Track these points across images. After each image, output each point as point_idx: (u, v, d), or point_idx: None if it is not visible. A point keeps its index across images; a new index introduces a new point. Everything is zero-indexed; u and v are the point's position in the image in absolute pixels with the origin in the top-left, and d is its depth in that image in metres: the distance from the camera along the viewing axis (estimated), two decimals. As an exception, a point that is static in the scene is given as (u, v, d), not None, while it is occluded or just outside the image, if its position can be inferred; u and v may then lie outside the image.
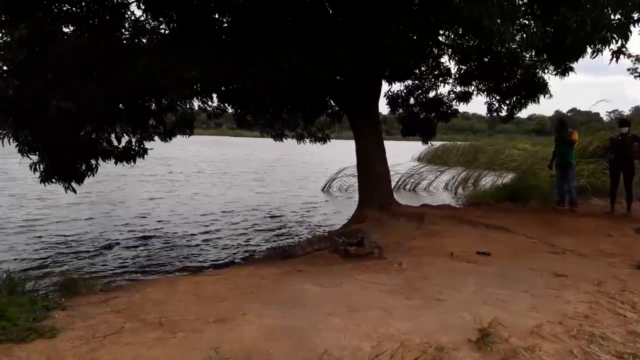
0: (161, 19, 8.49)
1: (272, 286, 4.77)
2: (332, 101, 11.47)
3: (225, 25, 8.64)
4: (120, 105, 7.81)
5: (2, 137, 7.86)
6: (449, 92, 13.33)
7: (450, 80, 13.23)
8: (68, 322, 3.80)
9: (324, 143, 13.49)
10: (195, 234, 11.02)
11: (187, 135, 11.00)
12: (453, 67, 12.73)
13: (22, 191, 15.78)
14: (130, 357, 3.12)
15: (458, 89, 13.13)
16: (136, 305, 4.23)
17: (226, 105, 11.24)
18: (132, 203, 14.78)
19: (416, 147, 34.01)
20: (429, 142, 14.06)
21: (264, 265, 6.38)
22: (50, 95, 6.71)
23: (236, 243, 10.39)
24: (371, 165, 10.32)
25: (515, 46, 7.65)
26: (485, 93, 12.54)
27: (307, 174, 25.25)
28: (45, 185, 8.94)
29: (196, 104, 10.82)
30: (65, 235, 10.43)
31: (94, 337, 3.43)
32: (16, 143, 8.05)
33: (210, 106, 11.50)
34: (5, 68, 7.19)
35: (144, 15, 8.36)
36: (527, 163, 18.62)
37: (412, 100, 13.43)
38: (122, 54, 6.85)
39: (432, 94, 13.46)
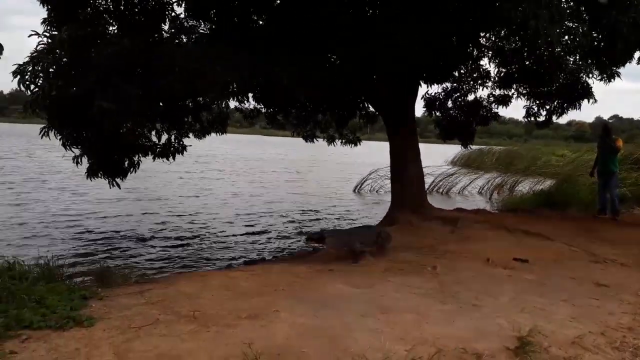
0: (200, 19, 8.66)
1: (305, 284, 4.75)
2: (367, 103, 11.40)
3: (260, 24, 8.72)
4: (160, 104, 7.93)
5: (47, 130, 8.18)
6: (488, 96, 13.05)
7: (490, 83, 12.96)
8: (104, 312, 3.88)
9: (355, 145, 13.42)
10: (229, 232, 11.13)
11: (221, 134, 11.16)
12: (493, 69, 12.48)
13: (63, 185, 16.30)
14: (164, 348, 3.15)
15: (497, 92, 12.85)
16: (170, 298, 4.28)
17: (260, 105, 11.35)
18: (170, 200, 15.00)
19: (449, 150, 33.67)
20: (468, 147, 13.81)
21: (295, 263, 6.38)
22: (92, 95, 6.88)
23: (267, 241, 10.44)
24: (405, 167, 10.19)
25: (559, 49, 7.42)
26: (526, 97, 12.19)
27: (340, 175, 25.15)
28: (90, 180, 9.21)
29: (232, 104, 10.98)
30: (102, 229, 10.70)
31: (129, 327, 3.49)
32: (60, 137, 8.35)
33: (245, 107, 11.65)
34: (49, 69, 7.39)
35: (184, 14, 8.53)
36: (566, 170, 18.08)
37: (450, 104, 13.22)
38: (160, 55, 6.96)
39: (471, 97, 13.21)
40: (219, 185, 19.16)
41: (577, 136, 75.57)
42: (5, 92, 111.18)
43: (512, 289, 4.84)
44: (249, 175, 23.42)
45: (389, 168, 20.09)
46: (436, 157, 27.47)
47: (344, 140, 13.36)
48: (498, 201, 16.49)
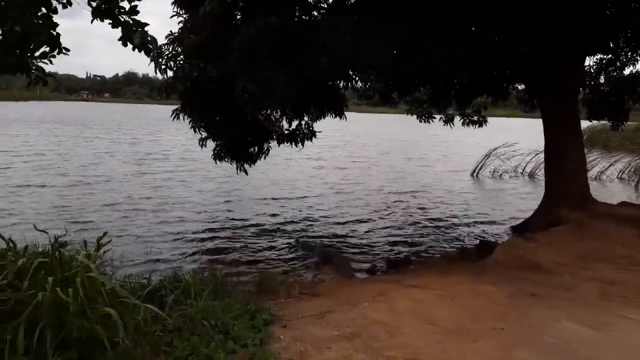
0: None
1: (521, 319, 3.82)
2: (519, 79, 10.04)
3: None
4: (307, 87, 7.28)
5: (178, 113, 7.94)
6: (649, 69, 11.09)
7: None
8: (300, 350, 3.24)
9: (480, 126, 12.04)
10: (353, 225, 10.28)
11: (337, 116, 10.24)
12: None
13: (187, 174, 16.13)
14: None
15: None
16: (365, 330, 3.58)
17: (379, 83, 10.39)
18: (296, 189, 14.08)
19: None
20: (619, 128, 11.99)
21: (465, 274, 5.46)
22: (235, 77, 6.37)
23: (396, 238, 9.39)
24: (565, 153, 8.81)
25: None
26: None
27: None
28: (216, 163, 8.90)
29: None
30: (241, 225, 9.97)
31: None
32: (190, 119, 8.09)
33: (361, 86, 10.73)
34: (190, 49, 6.97)
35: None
36: None
37: (602, 79, 11.43)
38: (309, 34, 6.19)
39: (626, 71, 11.33)
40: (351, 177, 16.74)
41: None
42: (120, 74, 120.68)
43: None
44: (377, 165, 20.19)
45: (506, 147, 18.54)
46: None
47: (466, 121, 12.10)
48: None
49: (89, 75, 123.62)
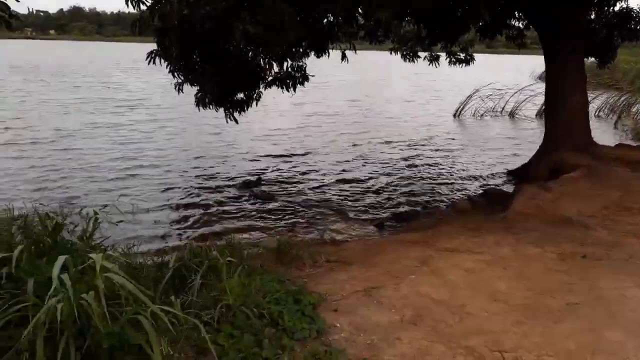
0: None
1: (588, 290, 3.48)
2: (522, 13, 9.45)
3: None
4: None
5: (154, 56, 7.17)
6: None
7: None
8: (367, 343, 2.82)
9: (467, 65, 11.65)
10: (344, 177, 9.72)
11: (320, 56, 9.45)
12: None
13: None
14: None
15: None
16: (427, 311, 3.18)
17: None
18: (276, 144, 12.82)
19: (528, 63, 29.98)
20: (607, 67, 11.73)
21: (506, 234, 4.97)
22: (234, 16, 5.57)
23: (393, 189, 8.92)
24: (568, 95, 8.49)
25: None
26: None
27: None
28: (199, 110, 8.18)
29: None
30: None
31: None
32: (167, 63, 7.33)
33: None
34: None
35: None
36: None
37: (592, 15, 11.00)
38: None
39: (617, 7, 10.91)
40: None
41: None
42: (65, 9, 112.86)
43: None
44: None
45: (491, 87, 18.24)
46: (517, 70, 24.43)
47: (452, 60, 11.63)
48: (629, 129, 14.42)
49: (31, 10, 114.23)
